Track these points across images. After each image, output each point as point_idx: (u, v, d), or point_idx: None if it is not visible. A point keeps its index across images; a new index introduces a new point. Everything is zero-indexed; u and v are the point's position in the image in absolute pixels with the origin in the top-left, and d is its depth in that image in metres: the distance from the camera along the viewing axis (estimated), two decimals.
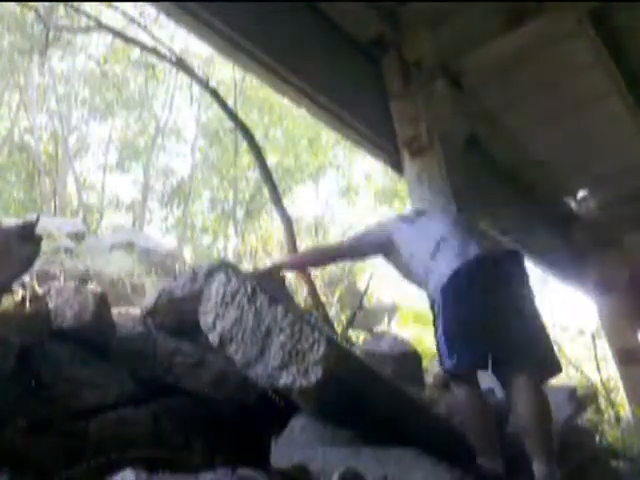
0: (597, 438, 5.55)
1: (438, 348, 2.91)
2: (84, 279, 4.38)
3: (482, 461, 2.67)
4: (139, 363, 3.11)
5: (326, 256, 3.75)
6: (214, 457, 2.55)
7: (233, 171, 14.15)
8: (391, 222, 3.43)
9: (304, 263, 4.02)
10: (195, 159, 15.32)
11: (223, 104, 6.62)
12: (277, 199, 5.85)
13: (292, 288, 5.88)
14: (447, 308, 2.85)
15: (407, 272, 3.27)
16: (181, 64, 7.24)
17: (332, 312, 6.75)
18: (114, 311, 3.42)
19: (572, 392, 4.37)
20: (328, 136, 14.21)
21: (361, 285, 9.66)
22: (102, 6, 8.75)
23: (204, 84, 6.73)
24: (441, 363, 2.87)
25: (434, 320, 2.94)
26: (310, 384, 2.43)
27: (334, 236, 14.22)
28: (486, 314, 2.77)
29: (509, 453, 3.16)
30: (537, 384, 2.68)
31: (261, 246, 9.93)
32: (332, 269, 10.05)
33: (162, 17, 9.31)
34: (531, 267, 8.65)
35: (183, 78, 12.64)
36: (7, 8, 10.54)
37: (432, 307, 2.99)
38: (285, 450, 2.69)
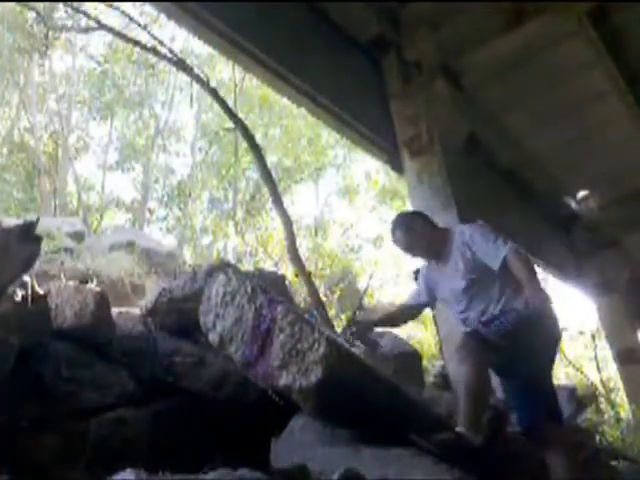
0: (597, 438, 5.55)
1: None
2: (84, 279, 4.38)
3: (463, 431, 2.71)
4: (139, 363, 3.11)
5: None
6: (214, 457, 2.55)
7: (233, 171, 14.15)
8: None
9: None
10: (195, 159, 15.33)
11: (223, 104, 6.62)
12: (277, 199, 5.85)
13: (292, 288, 5.88)
14: None
15: None
16: (181, 64, 7.24)
17: (332, 312, 6.75)
18: (114, 311, 3.42)
19: (572, 392, 4.38)
20: (328, 136, 14.20)
21: (361, 285, 9.66)
22: (102, 6, 8.74)
23: (204, 84, 6.73)
24: None
25: None
26: (310, 384, 2.43)
27: (334, 236, 14.22)
28: None
29: (508, 452, 3.17)
30: None
31: (261, 246, 9.92)
32: (332, 269, 10.05)
33: (162, 17, 9.33)
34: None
35: (183, 78, 12.64)
36: (7, 8, 10.55)
37: None
38: (285, 450, 2.69)
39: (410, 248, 3.32)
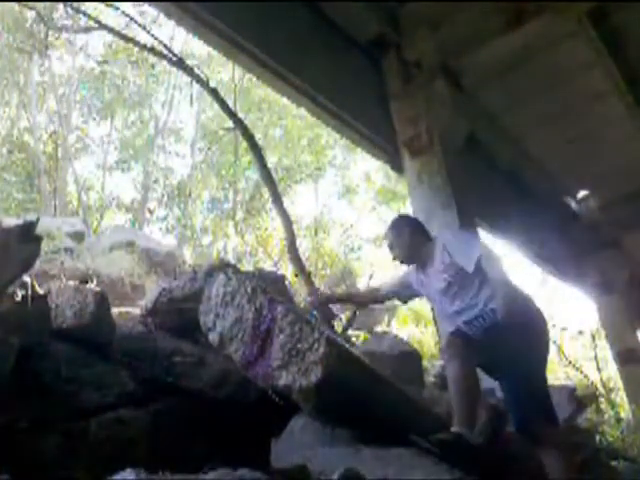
0: (597, 438, 5.55)
1: None
2: (84, 279, 4.38)
3: (462, 430, 2.77)
4: (139, 363, 3.11)
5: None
6: (214, 457, 2.55)
7: (233, 171, 14.15)
8: None
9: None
10: (195, 159, 15.32)
11: (223, 104, 6.62)
12: (277, 199, 5.85)
13: (292, 288, 5.88)
14: None
15: None
16: (181, 64, 7.23)
17: None
18: (114, 311, 3.43)
19: (572, 392, 4.38)
20: (328, 136, 14.21)
21: (361, 285, 9.66)
22: (102, 6, 8.74)
23: (204, 84, 6.73)
24: None
25: None
26: (310, 384, 2.43)
27: (334, 236, 14.22)
28: None
29: (508, 452, 3.18)
30: None
31: (261, 246, 9.93)
32: (332, 269, 10.06)
33: (162, 17, 9.33)
34: (532, 267, 8.69)
35: (183, 78, 12.65)
36: (7, 8, 10.55)
37: None
38: (285, 450, 2.70)
39: (392, 250, 3.48)
